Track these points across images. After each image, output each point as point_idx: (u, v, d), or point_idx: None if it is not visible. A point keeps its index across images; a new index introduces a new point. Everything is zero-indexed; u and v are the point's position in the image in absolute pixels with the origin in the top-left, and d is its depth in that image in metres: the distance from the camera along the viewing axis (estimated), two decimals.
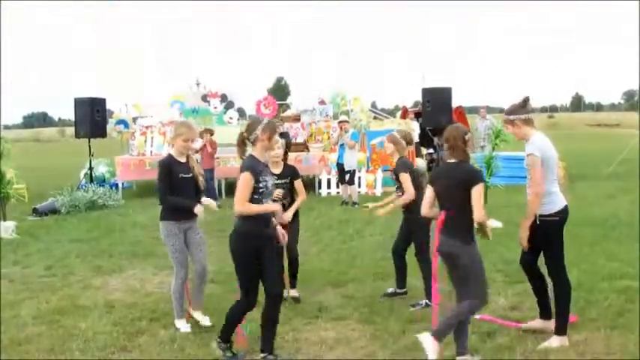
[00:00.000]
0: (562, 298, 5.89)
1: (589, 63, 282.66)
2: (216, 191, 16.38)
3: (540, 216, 5.80)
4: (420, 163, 20.48)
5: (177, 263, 6.72)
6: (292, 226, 7.44)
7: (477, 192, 5.35)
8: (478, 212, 5.34)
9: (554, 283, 5.94)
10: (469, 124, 24.13)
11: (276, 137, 7.00)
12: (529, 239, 5.88)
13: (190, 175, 6.70)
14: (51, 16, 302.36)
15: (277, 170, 7.39)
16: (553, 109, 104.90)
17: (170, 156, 6.75)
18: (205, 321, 6.77)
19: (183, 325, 6.70)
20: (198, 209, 6.58)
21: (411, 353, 5.80)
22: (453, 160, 5.58)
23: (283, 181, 7.41)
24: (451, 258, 5.50)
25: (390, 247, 7.86)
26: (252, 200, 5.61)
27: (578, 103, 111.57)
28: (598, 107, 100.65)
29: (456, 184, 5.43)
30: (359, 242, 8.53)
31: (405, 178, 7.25)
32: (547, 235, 5.84)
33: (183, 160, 6.72)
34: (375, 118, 21.54)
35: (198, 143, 16.32)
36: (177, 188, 6.58)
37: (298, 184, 7.57)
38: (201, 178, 6.80)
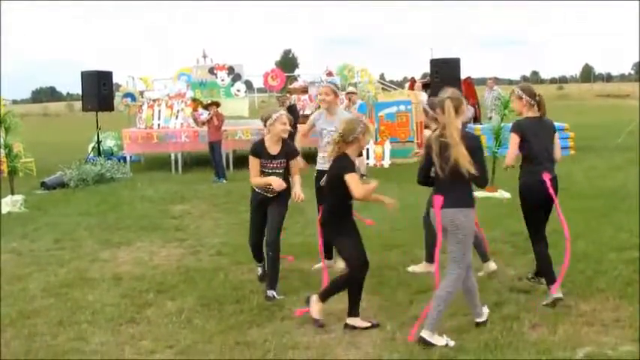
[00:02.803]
0: None
1: (599, 33, 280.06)
2: (224, 164, 16.33)
3: None
4: (429, 135, 20.40)
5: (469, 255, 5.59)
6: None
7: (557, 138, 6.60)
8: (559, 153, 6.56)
9: None
10: (477, 96, 24.04)
11: (283, 112, 7.02)
12: None
13: None
14: None
15: (276, 149, 6.86)
16: (562, 80, 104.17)
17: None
18: None
19: None
20: None
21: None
22: (538, 115, 6.50)
23: (279, 160, 6.88)
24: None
25: (398, 218, 7.84)
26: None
27: (588, 74, 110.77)
28: (608, 78, 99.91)
29: (551, 134, 6.53)
30: (366, 214, 8.47)
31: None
32: None
33: None
34: (383, 89, 21.43)
35: (203, 116, 16.30)
36: None
37: (294, 163, 7.01)
38: None
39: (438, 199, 5.46)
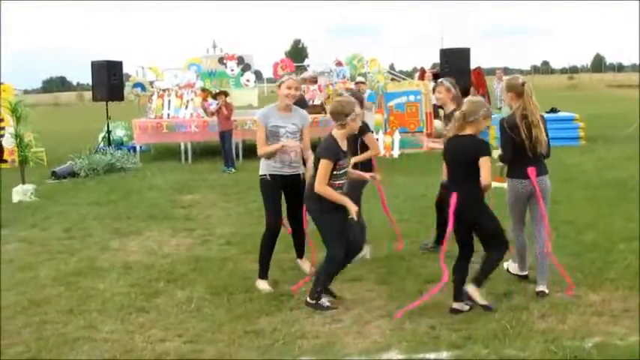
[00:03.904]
0: None
1: (610, 22, 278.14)
2: (234, 154, 16.35)
3: None
4: (438, 125, 20.38)
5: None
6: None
7: None
8: None
9: None
10: (487, 86, 23.95)
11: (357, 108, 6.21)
12: None
13: None
14: None
15: (345, 145, 6.22)
16: (573, 69, 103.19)
17: None
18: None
19: None
20: None
21: (428, 313, 5.80)
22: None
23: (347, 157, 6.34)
24: None
25: (405, 209, 7.83)
26: None
27: (599, 64, 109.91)
28: (619, 68, 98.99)
29: None
30: (375, 204, 8.48)
31: None
32: None
33: None
34: (392, 79, 21.38)
35: (213, 106, 16.32)
36: None
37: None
38: None
39: (532, 171, 6.17)
